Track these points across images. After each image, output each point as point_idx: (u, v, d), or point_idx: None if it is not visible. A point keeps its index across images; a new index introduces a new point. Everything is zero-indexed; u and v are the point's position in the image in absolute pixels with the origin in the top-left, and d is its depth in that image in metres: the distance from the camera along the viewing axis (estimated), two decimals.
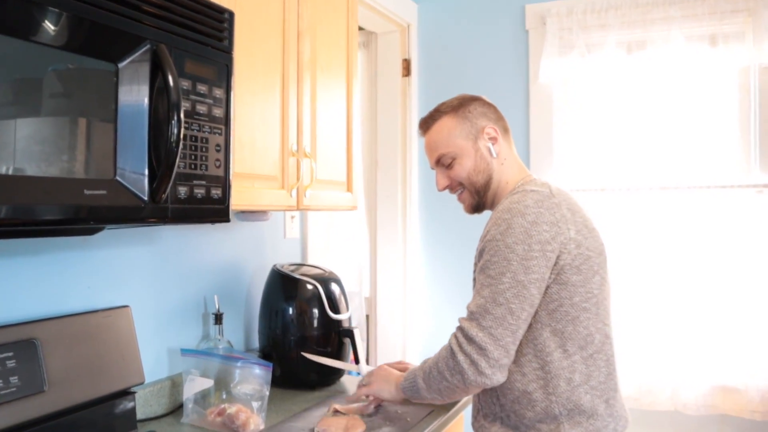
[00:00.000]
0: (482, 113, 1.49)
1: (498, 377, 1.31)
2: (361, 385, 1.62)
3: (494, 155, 1.47)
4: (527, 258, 1.28)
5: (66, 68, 1.01)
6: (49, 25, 0.97)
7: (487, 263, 1.33)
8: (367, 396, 1.61)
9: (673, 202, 2.44)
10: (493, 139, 1.48)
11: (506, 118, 1.56)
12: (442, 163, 1.50)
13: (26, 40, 0.93)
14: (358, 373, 1.76)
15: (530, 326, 1.34)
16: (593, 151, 2.57)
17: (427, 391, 1.42)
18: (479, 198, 1.49)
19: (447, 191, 1.56)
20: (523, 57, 2.70)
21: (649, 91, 2.49)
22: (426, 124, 1.53)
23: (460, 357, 1.32)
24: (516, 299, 1.28)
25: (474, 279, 1.42)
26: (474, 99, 1.51)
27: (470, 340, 1.31)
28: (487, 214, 1.55)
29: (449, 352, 1.35)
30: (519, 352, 1.35)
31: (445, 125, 1.49)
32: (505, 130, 1.52)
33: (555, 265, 1.31)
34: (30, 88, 0.95)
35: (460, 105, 1.49)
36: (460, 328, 1.35)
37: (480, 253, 1.38)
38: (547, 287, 1.32)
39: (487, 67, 2.75)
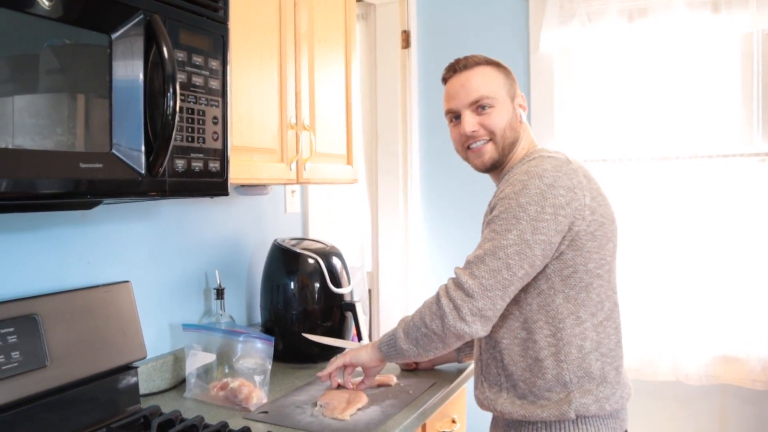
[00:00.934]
0: (515, 81, 1.50)
1: (477, 328, 1.30)
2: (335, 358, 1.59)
3: (523, 120, 1.48)
4: (538, 219, 1.27)
5: (62, 43, 0.99)
6: None
7: (494, 218, 1.32)
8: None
9: (675, 172, 2.42)
10: (523, 107, 1.49)
11: None
12: (481, 105, 1.42)
13: (22, 11, 0.92)
14: None
15: (543, 293, 1.34)
16: (595, 121, 2.55)
17: (404, 340, 1.40)
18: (502, 155, 1.45)
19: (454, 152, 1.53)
20: (523, 27, 2.66)
21: (651, 59, 2.45)
22: (467, 63, 1.47)
23: (444, 301, 1.31)
24: (517, 256, 1.27)
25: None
26: (508, 69, 1.51)
27: (459, 285, 1.30)
28: (490, 184, 1.54)
29: (435, 298, 1.35)
30: (530, 319, 1.35)
31: (490, 73, 1.46)
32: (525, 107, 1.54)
33: (569, 230, 1.30)
34: (27, 64, 0.94)
35: (500, 64, 1.49)
36: (453, 276, 1.34)
37: (490, 210, 1.37)
38: (561, 253, 1.31)
39: (487, 37, 2.72)
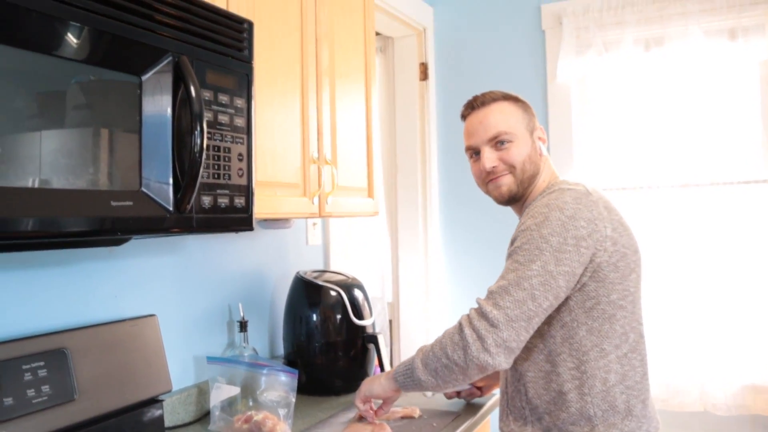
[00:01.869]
0: (534, 115, 1.51)
1: (501, 360, 1.27)
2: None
3: (544, 153, 1.49)
4: (560, 250, 1.27)
5: (89, 80, 1.02)
6: (71, 39, 0.98)
7: (516, 249, 1.31)
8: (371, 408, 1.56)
9: (695, 198, 2.42)
10: (542, 140, 1.50)
11: None
12: (500, 140, 1.44)
13: (49, 54, 0.95)
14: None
15: (566, 325, 1.33)
16: (613, 149, 2.56)
17: (423, 371, 1.36)
18: (522, 188, 1.45)
19: (472, 187, 1.56)
20: (540, 57, 2.69)
21: (669, 87, 2.47)
22: (484, 100, 1.49)
23: (467, 331, 1.28)
24: (541, 287, 1.26)
25: None
26: (526, 103, 1.53)
27: (483, 315, 1.28)
28: (509, 214, 1.54)
29: (456, 328, 1.32)
30: (554, 351, 1.35)
31: (508, 108, 1.47)
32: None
33: (591, 262, 1.30)
34: (54, 101, 0.97)
35: (518, 98, 1.50)
36: (475, 306, 1.32)
37: (512, 242, 1.37)
38: (584, 285, 1.31)
39: (504, 68, 2.75)
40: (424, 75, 2.89)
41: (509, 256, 1.34)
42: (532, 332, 1.29)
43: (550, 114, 2.63)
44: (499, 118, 1.45)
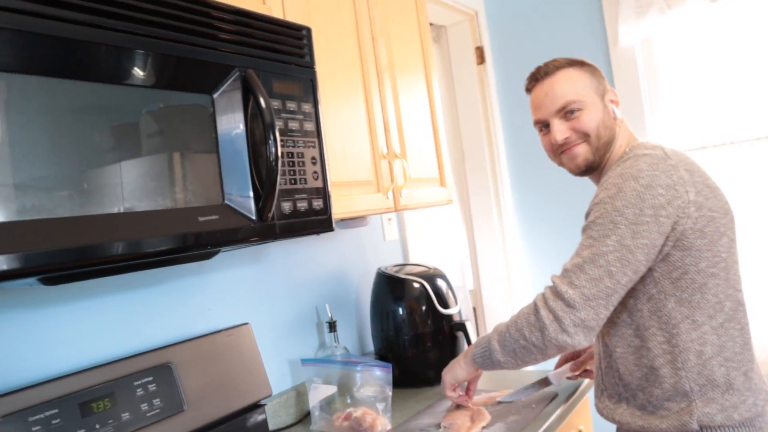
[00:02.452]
0: (603, 77, 1.44)
1: (580, 338, 1.24)
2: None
3: (618, 116, 1.41)
4: (637, 222, 1.21)
5: (158, 108, 1.06)
6: (140, 67, 1.02)
7: (590, 224, 1.26)
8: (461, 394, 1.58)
9: None
10: (615, 102, 1.42)
11: None
12: (569, 110, 1.38)
13: (120, 84, 0.99)
14: (557, 384, 1.67)
15: (653, 297, 1.27)
16: (688, 109, 2.46)
17: (501, 353, 1.35)
18: (598, 156, 1.39)
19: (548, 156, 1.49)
20: (598, 24, 2.61)
21: (740, 36, 2.35)
22: (548, 69, 1.42)
23: (543, 312, 1.26)
24: (618, 262, 1.21)
25: None
26: (594, 66, 1.46)
27: (558, 295, 1.25)
28: (584, 187, 1.51)
29: (532, 309, 1.29)
30: (642, 326, 1.28)
31: (574, 75, 1.40)
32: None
33: (673, 230, 1.22)
34: (129, 133, 1.01)
35: (584, 62, 1.43)
36: (550, 285, 1.29)
37: (586, 216, 1.32)
38: (668, 255, 1.24)
39: (562, 40, 2.69)
40: (480, 59, 2.86)
41: (584, 230, 1.29)
42: (612, 309, 1.25)
43: (616, 80, 2.55)
44: (565, 86, 1.38)
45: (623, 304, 1.30)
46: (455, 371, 1.51)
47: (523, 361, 1.34)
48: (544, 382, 1.60)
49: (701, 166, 1.33)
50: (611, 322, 1.33)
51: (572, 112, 1.38)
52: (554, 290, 1.26)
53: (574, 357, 1.66)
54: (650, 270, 1.26)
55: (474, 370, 1.48)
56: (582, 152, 1.39)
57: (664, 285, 1.26)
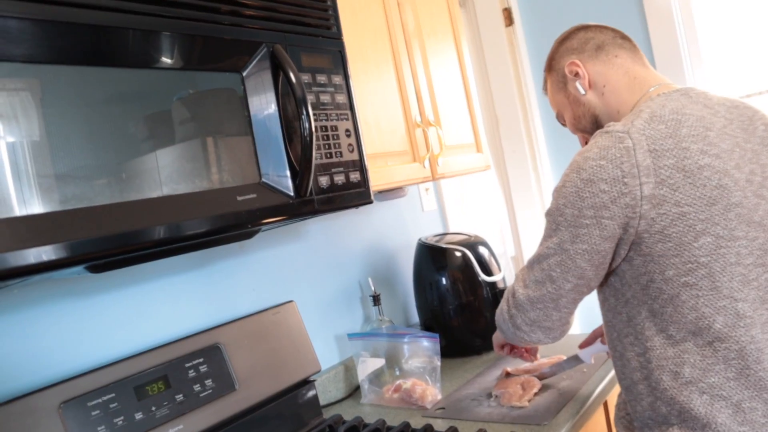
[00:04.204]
0: (564, 51, 1.28)
1: (539, 336, 1.19)
2: None
3: (583, 92, 1.23)
4: (576, 225, 1.05)
5: (188, 94, 1.05)
6: (168, 49, 1.02)
7: (545, 215, 1.14)
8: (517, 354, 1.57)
9: None
10: (576, 75, 1.24)
11: None
12: (561, 123, 1.36)
13: (150, 68, 0.99)
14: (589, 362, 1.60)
15: (628, 302, 1.10)
16: (730, 57, 2.36)
17: (501, 330, 1.30)
18: None
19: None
20: None
21: None
22: (544, 89, 1.40)
23: (504, 306, 1.24)
24: (558, 267, 1.09)
25: None
26: (562, 39, 1.31)
27: (513, 294, 1.20)
28: None
29: (503, 299, 1.26)
30: (622, 332, 1.13)
31: (548, 86, 1.35)
32: (598, 49, 1.23)
33: (625, 232, 1.03)
34: (162, 121, 1.00)
35: (550, 57, 1.33)
36: (514, 278, 1.24)
37: None
38: (630, 258, 1.06)
39: None
40: (509, 20, 2.79)
41: None
42: (567, 310, 1.15)
43: (652, 34, 2.46)
44: (551, 102, 1.36)
45: (608, 304, 1.16)
46: (496, 333, 1.53)
47: (515, 341, 1.28)
48: (575, 359, 1.56)
49: (701, 133, 1.05)
50: (603, 320, 1.20)
51: (564, 123, 1.35)
52: (513, 287, 1.22)
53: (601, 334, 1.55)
54: (622, 271, 1.09)
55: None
56: None
57: (635, 290, 1.08)
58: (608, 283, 1.14)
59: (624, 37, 1.25)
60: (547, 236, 1.12)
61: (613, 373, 1.54)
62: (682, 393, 1.02)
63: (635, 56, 1.23)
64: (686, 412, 1.02)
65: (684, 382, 1.02)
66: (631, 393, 1.13)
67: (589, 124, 1.26)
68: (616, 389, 1.58)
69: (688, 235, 1.00)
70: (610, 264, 1.10)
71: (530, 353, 1.57)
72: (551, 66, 1.32)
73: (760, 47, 2.31)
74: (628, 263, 1.07)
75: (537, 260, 1.14)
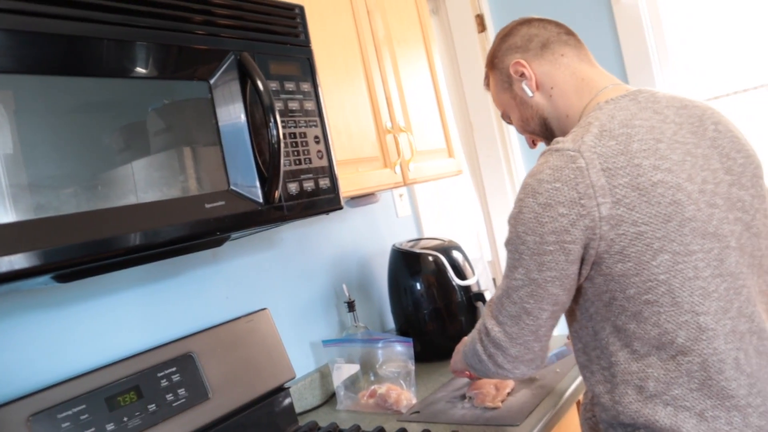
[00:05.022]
0: (508, 49, 1.23)
1: (522, 370, 1.14)
2: None
3: (530, 94, 1.20)
4: (540, 252, 1.02)
5: (163, 104, 1.06)
6: (135, 58, 1.02)
7: (505, 245, 1.10)
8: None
9: None
10: (522, 75, 1.20)
11: (594, 49, 1.41)
12: (507, 122, 1.33)
13: (120, 77, 0.99)
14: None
15: (593, 317, 1.09)
16: (698, 60, 2.40)
17: (472, 369, 1.25)
18: (552, 139, 1.24)
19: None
20: None
21: None
22: (486, 86, 1.34)
23: (479, 347, 1.17)
24: (531, 298, 1.06)
25: None
26: (504, 34, 1.25)
27: (488, 333, 1.14)
28: None
29: (475, 339, 1.19)
30: (588, 345, 1.12)
31: (491, 83, 1.30)
32: (543, 47, 1.19)
33: (587, 253, 1.02)
34: (137, 131, 1.01)
35: (492, 54, 1.27)
36: (483, 316, 1.18)
37: None
38: (592, 277, 1.05)
39: (562, 1, 2.64)
40: (481, 27, 2.82)
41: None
42: (546, 337, 1.12)
43: (621, 38, 2.50)
44: (494, 100, 1.31)
45: (573, 317, 1.15)
46: (456, 359, 1.45)
47: (486, 377, 1.23)
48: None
49: (651, 147, 1.03)
50: (569, 329, 1.19)
51: (511, 122, 1.31)
52: (485, 326, 1.16)
53: None
54: (584, 289, 1.08)
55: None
56: (546, 143, 1.28)
57: (598, 306, 1.07)
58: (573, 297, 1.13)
59: (569, 33, 1.22)
60: (511, 267, 1.07)
61: None
62: (647, 406, 1.03)
63: (581, 53, 1.20)
64: (651, 424, 1.02)
65: (648, 396, 1.03)
66: (594, 402, 1.14)
67: (538, 127, 1.23)
68: None
69: (646, 254, 0.99)
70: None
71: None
72: (494, 64, 1.26)
73: (728, 49, 2.36)
74: (590, 282, 1.05)
75: (506, 294, 1.09)
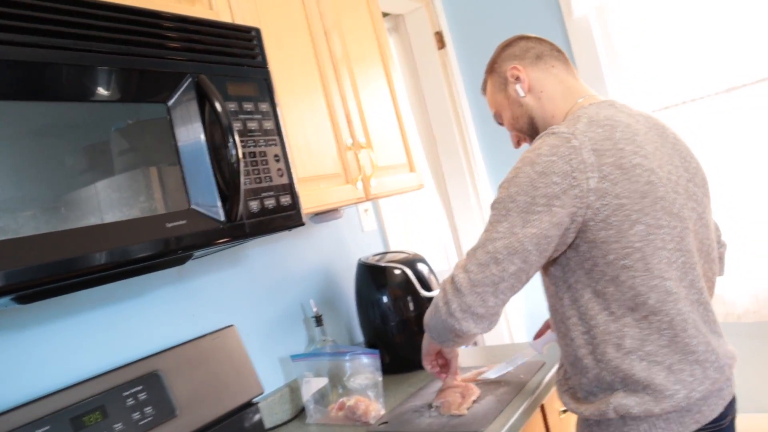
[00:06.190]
0: (507, 56, 1.41)
1: (469, 325, 1.22)
2: None
3: (522, 94, 1.37)
4: (528, 211, 1.15)
5: (126, 125, 1.08)
6: (92, 83, 1.04)
7: (491, 207, 1.23)
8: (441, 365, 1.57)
9: (744, 100, 2.34)
10: (517, 78, 1.37)
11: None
12: (499, 122, 1.48)
13: (76, 101, 1.01)
14: (540, 352, 1.63)
15: (571, 287, 1.22)
16: (648, 72, 2.49)
17: (427, 327, 1.34)
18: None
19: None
20: None
21: None
22: (483, 90, 1.52)
23: (439, 295, 1.25)
24: (505, 250, 1.16)
25: None
26: (505, 45, 1.43)
27: (452, 279, 1.23)
28: None
29: (438, 291, 1.28)
30: (564, 315, 1.25)
31: (488, 86, 1.47)
32: (537, 58, 1.37)
33: (573, 222, 1.15)
34: (100, 152, 1.03)
35: (492, 60, 1.45)
36: (454, 267, 1.26)
37: None
38: (576, 245, 1.19)
39: (518, 16, 2.72)
40: (441, 43, 2.89)
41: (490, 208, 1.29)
42: (504, 298, 1.21)
43: (575, 50, 2.59)
44: (489, 102, 1.48)
45: (549, 292, 1.28)
46: (422, 344, 1.51)
47: (441, 339, 1.32)
48: (528, 352, 1.63)
49: (630, 137, 1.20)
50: (548, 305, 1.31)
51: (499, 122, 1.48)
52: (450, 275, 1.25)
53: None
54: (567, 259, 1.22)
55: (431, 343, 1.45)
56: (530, 144, 1.41)
57: (579, 275, 1.21)
58: (549, 273, 1.26)
59: (559, 51, 1.41)
60: (494, 223, 1.19)
61: (549, 377, 1.60)
62: (624, 362, 1.17)
63: (568, 69, 1.39)
64: (629, 377, 1.17)
65: (625, 352, 1.17)
66: (576, 368, 1.25)
67: (525, 125, 1.39)
68: (553, 393, 1.64)
69: (625, 224, 1.15)
70: (554, 254, 1.21)
71: (448, 371, 1.57)
72: (493, 68, 1.44)
73: (675, 62, 2.45)
74: (575, 250, 1.19)
75: (481, 245, 1.19)
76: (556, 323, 1.29)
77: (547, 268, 1.26)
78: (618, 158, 1.16)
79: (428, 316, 1.33)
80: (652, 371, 1.16)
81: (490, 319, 1.23)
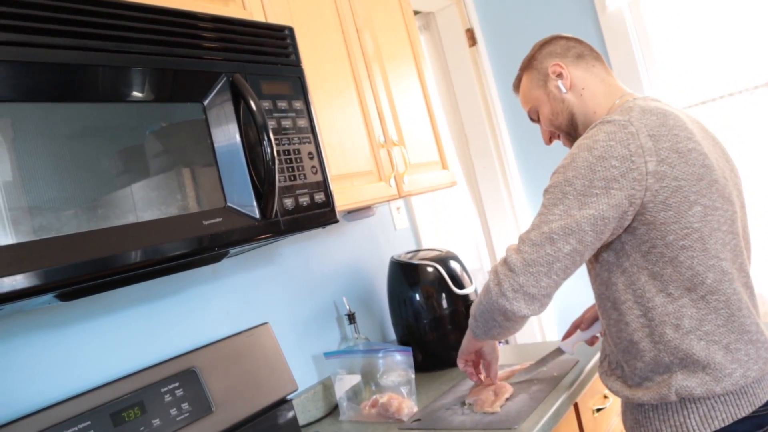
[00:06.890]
0: (548, 54, 1.43)
1: (521, 306, 1.21)
2: None
3: (564, 91, 1.39)
4: (586, 194, 1.17)
5: (161, 127, 1.10)
6: (130, 83, 1.06)
7: (545, 192, 1.25)
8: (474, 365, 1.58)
9: None
10: (559, 75, 1.40)
11: None
12: (532, 117, 1.49)
13: (115, 102, 1.03)
14: (571, 353, 1.63)
15: (626, 271, 1.24)
16: (684, 66, 2.45)
17: (472, 317, 1.34)
18: (574, 138, 1.42)
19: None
20: None
21: None
22: (516, 87, 1.53)
23: (491, 276, 1.25)
24: (561, 230, 1.17)
25: None
26: (544, 43, 1.45)
27: (504, 260, 1.23)
28: None
29: (490, 276, 1.28)
30: (618, 300, 1.26)
31: (523, 82, 1.48)
32: (578, 57, 1.41)
33: (631, 204, 1.17)
34: (136, 154, 1.05)
35: (530, 57, 1.46)
36: (506, 250, 1.27)
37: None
38: (634, 228, 1.20)
39: (551, 12, 2.69)
40: (472, 41, 2.87)
41: (543, 194, 1.29)
42: (558, 279, 1.21)
43: (608, 46, 2.55)
44: (522, 98, 1.49)
45: (600, 279, 1.29)
46: (463, 341, 1.52)
47: (487, 328, 1.32)
48: (558, 352, 1.61)
49: (682, 125, 1.24)
50: (596, 294, 1.32)
51: (534, 118, 1.49)
52: (504, 256, 1.26)
53: (580, 323, 1.62)
54: (622, 243, 1.23)
55: (473, 339, 1.46)
56: (565, 143, 1.47)
57: (635, 258, 1.22)
58: (600, 259, 1.28)
59: (597, 53, 1.44)
60: (550, 206, 1.20)
61: (582, 377, 1.58)
62: (684, 341, 1.19)
63: (606, 69, 1.43)
64: (688, 357, 1.19)
65: (684, 332, 1.19)
66: (629, 353, 1.26)
67: (565, 122, 1.41)
68: (586, 391, 1.62)
69: (683, 205, 1.18)
70: (610, 238, 1.23)
71: (488, 370, 1.58)
72: (531, 65, 1.46)
73: (712, 55, 2.40)
74: (631, 233, 1.21)
75: (536, 227, 1.20)
76: (607, 311, 1.29)
77: (597, 255, 1.28)
78: (674, 143, 1.19)
79: (476, 304, 1.33)
80: (711, 350, 1.18)
81: (541, 300, 1.23)
